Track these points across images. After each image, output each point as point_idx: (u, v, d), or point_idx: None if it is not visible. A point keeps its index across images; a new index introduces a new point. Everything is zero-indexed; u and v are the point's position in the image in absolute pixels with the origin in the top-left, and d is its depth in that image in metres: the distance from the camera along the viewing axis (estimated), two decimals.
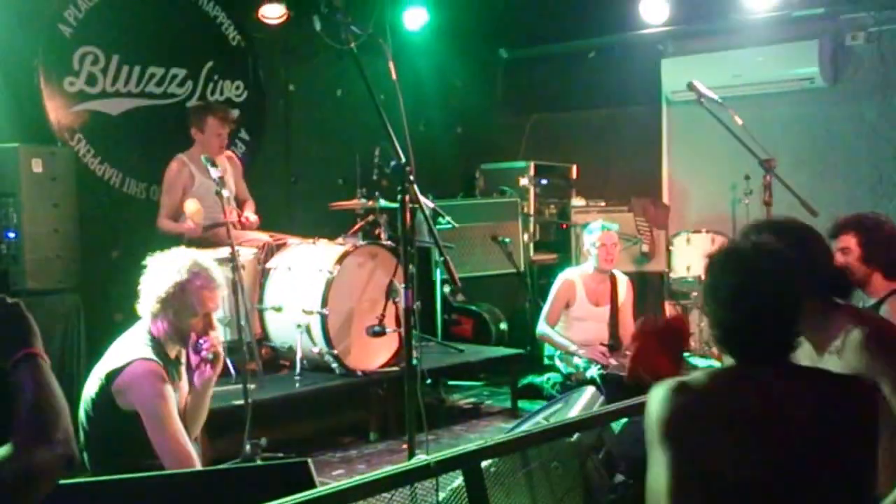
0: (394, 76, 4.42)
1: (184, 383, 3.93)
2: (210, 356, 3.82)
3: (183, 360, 3.95)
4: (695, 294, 7.87)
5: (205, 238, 5.93)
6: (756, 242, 2.42)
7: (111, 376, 3.66)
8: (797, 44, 7.87)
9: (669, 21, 8.21)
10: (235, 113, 6.41)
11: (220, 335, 3.98)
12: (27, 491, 1.77)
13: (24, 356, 2.00)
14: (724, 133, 5.83)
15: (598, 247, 6.59)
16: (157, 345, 3.77)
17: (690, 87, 5.96)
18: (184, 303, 3.75)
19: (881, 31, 7.69)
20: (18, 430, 1.85)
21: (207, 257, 3.99)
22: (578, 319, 6.69)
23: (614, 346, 6.54)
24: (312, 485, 2.79)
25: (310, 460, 2.91)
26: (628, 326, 6.74)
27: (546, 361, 7.01)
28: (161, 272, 3.79)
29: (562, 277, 6.82)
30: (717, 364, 6.33)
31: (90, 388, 3.76)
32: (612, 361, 6.30)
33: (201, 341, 3.81)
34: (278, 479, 2.88)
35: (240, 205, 6.53)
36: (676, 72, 8.29)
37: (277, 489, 2.49)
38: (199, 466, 3.69)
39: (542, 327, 6.72)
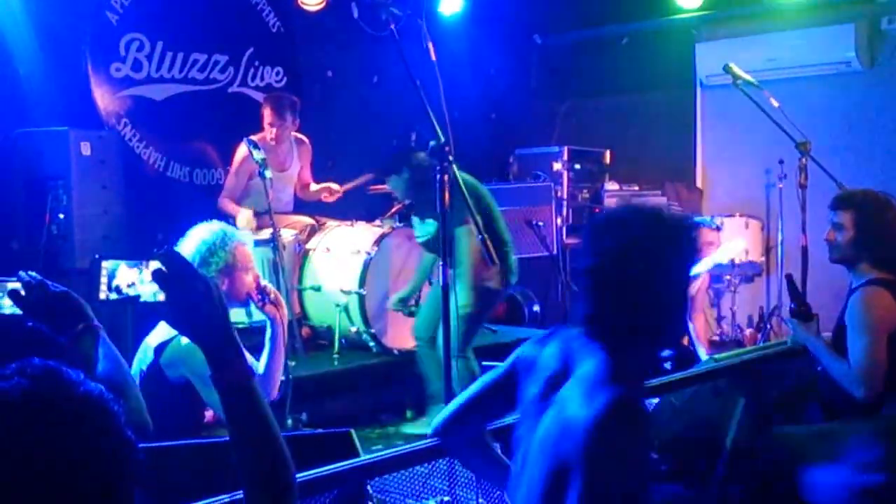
0: (433, 56, 4.47)
1: None
2: (273, 298, 3.88)
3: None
4: (728, 277, 7.89)
5: None
6: None
7: (160, 349, 3.72)
8: (833, 27, 7.79)
9: (703, 5, 8.23)
10: (280, 99, 6.56)
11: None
12: None
13: (85, 328, 2.11)
14: (758, 117, 5.83)
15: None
16: None
17: (727, 69, 5.96)
18: (235, 261, 3.79)
19: None
20: None
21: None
22: None
23: None
24: (356, 454, 2.89)
25: (353, 431, 3.02)
26: None
27: None
28: (200, 241, 3.80)
29: None
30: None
31: (139, 360, 3.86)
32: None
33: (261, 289, 3.89)
34: (322, 449, 2.98)
35: (303, 186, 6.86)
36: (710, 56, 8.24)
37: (322, 458, 2.61)
38: None
39: None
